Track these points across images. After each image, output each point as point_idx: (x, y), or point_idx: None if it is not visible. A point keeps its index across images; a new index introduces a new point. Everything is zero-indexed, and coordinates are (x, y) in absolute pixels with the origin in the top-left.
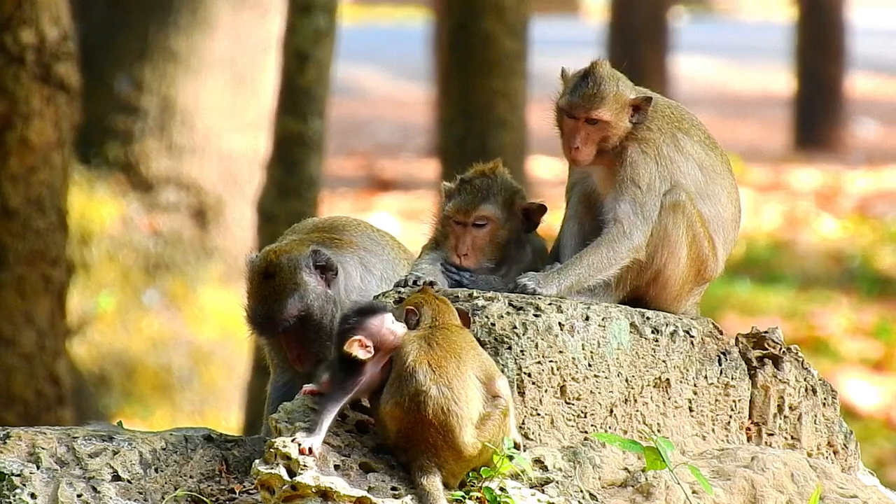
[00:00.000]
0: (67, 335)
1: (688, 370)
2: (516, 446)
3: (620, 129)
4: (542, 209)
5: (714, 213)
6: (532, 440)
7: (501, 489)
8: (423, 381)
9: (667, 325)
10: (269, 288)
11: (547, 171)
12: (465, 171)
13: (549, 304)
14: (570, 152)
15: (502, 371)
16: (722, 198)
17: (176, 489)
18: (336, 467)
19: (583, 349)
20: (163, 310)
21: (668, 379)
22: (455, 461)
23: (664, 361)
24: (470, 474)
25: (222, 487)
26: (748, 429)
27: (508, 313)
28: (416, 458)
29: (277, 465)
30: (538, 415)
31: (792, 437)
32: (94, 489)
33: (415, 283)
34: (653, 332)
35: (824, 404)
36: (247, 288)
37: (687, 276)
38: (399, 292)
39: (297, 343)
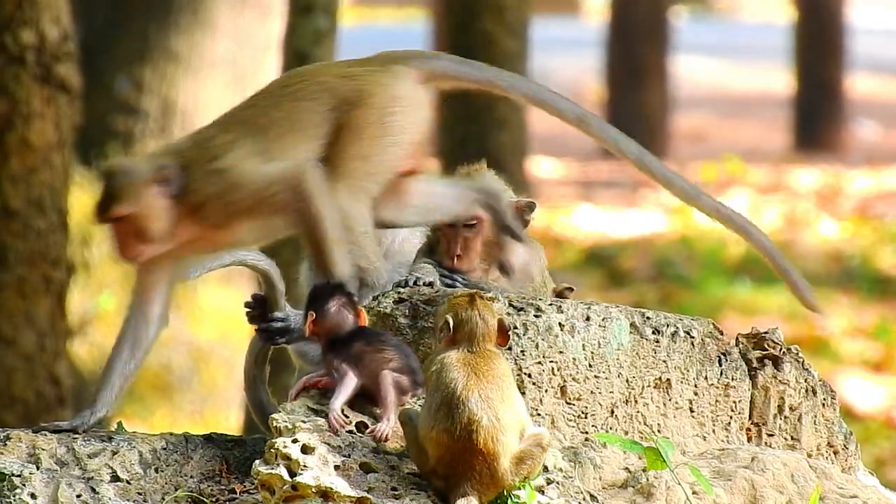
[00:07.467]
0: (68, 336)
1: (688, 371)
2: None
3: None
4: (532, 206)
5: None
6: None
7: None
8: (476, 411)
9: (667, 325)
10: None
11: (547, 172)
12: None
13: (550, 304)
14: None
15: None
16: None
17: (176, 489)
18: (336, 467)
19: (583, 349)
20: None
21: (668, 379)
22: (494, 489)
23: (665, 362)
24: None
25: (223, 487)
26: (748, 429)
27: (508, 313)
28: (458, 485)
29: (278, 465)
30: (539, 415)
31: (792, 438)
32: (94, 490)
33: (415, 283)
34: (653, 332)
35: (824, 405)
36: None
37: None
38: (399, 293)
39: None
